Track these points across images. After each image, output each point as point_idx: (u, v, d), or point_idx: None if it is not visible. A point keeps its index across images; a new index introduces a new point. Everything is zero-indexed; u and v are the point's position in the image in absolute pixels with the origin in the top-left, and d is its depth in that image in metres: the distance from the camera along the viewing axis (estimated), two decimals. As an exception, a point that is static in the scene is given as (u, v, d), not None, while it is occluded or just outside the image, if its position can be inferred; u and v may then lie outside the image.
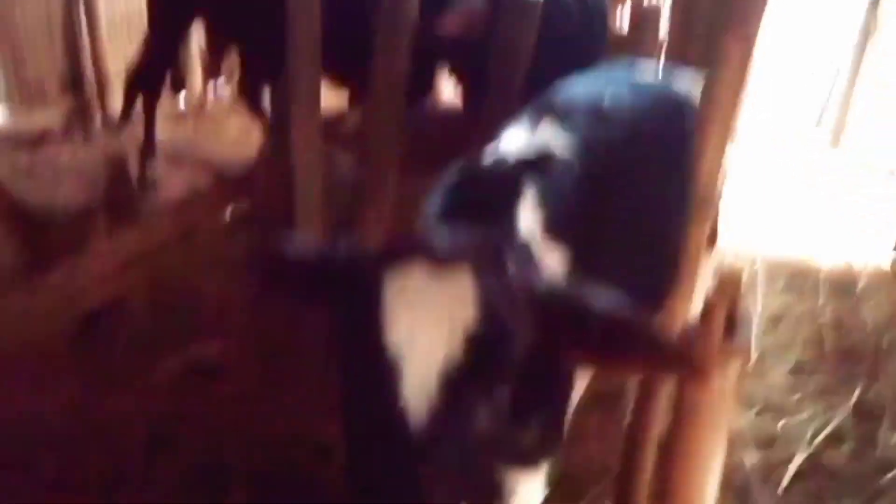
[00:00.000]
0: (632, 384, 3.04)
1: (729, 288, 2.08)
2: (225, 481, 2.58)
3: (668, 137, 2.25)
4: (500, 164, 1.97)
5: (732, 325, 2.04)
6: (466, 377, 1.25)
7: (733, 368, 2.10)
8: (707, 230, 2.46)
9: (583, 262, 1.89)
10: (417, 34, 2.78)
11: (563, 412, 1.98)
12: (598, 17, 2.98)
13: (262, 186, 3.55)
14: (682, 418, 2.16)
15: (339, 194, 3.28)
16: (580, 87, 2.40)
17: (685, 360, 1.34)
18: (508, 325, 1.31)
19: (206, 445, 2.74)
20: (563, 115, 2.12)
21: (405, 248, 1.35)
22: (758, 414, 3.28)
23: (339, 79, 4.09)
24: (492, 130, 2.16)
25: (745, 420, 3.22)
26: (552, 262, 1.83)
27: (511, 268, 1.38)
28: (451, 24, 2.96)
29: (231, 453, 2.70)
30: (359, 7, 2.90)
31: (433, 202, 1.81)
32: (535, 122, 2.11)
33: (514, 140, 2.07)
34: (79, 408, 2.79)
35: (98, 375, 2.94)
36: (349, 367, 1.33)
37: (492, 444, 1.42)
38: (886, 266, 4.80)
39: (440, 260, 1.31)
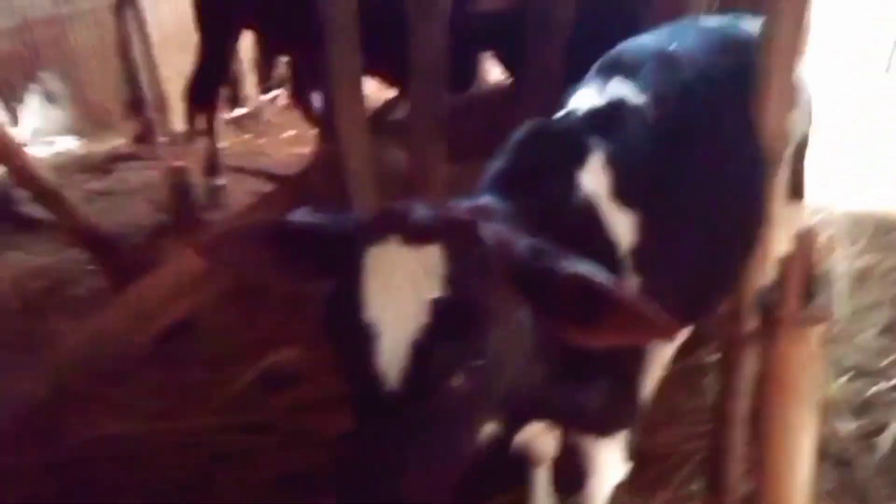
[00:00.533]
0: (714, 362, 2.96)
1: (805, 249, 2.00)
2: (311, 487, 2.60)
3: (742, 79, 2.10)
4: (566, 120, 1.95)
5: (811, 288, 1.96)
6: (435, 345, 1.29)
7: (815, 334, 2.02)
8: (783, 186, 2.41)
9: (656, 228, 1.84)
10: (454, 19, 2.72)
11: (631, 381, 1.95)
12: None
13: (318, 185, 3.54)
14: (769, 391, 2.09)
15: (391, 185, 3.27)
16: (645, 40, 2.33)
17: (654, 321, 1.32)
18: (474, 297, 1.33)
19: (291, 454, 2.78)
20: (631, 68, 2.07)
21: (386, 222, 1.38)
22: (850, 380, 3.13)
23: (381, 69, 4.08)
24: (535, 108, 2.11)
25: (837, 387, 3.08)
26: (621, 228, 1.80)
27: (488, 241, 1.39)
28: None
29: (316, 459, 2.73)
30: None
31: (498, 159, 1.81)
32: (605, 78, 2.05)
33: (585, 99, 2.02)
34: (158, 427, 2.85)
35: (176, 394, 3.00)
36: (336, 335, 1.38)
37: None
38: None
39: (413, 235, 1.34)
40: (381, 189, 3.02)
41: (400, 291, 1.31)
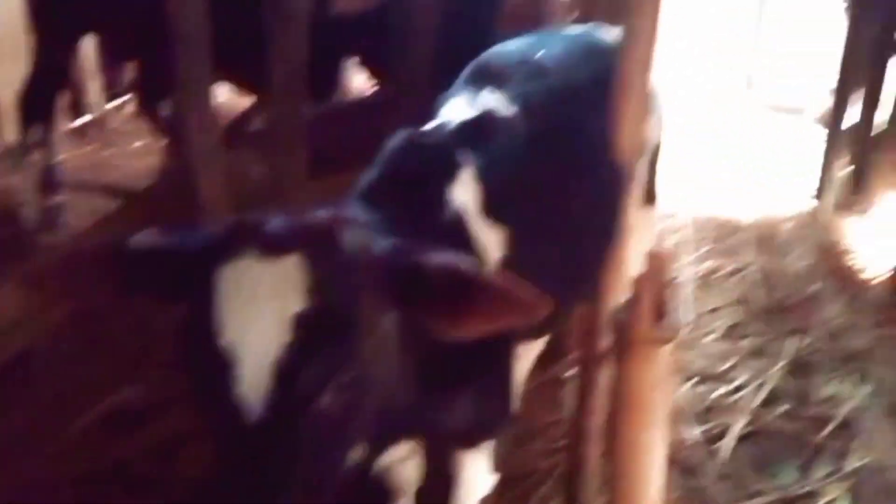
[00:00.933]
0: (570, 380, 3.04)
1: (657, 268, 2.07)
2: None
3: (604, 87, 2.12)
4: (437, 132, 1.92)
5: (662, 306, 2.04)
6: (302, 362, 1.22)
7: (665, 352, 2.10)
8: (635, 198, 2.44)
9: (523, 242, 1.86)
10: (314, 23, 2.63)
11: (500, 389, 1.96)
12: None
13: (165, 202, 3.35)
14: (621, 408, 2.15)
15: (249, 200, 3.14)
16: (511, 47, 2.35)
17: (524, 299, 1.33)
18: (339, 307, 1.28)
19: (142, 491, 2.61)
20: (500, 77, 2.09)
21: (238, 236, 1.30)
22: (694, 385, 3.31)
23: (237, 76, 3.93)
24: (402, 117, 2.07)
25: (683, 393, 3.23)
26: (490, 243, 1.80)
27: (349, 247, 1.34)
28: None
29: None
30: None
31: (368, 172, 1.77)
32: (475, 88, 2.06)
33: (456, 110, 2.02)
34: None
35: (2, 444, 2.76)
36: (191, 364, 1.29)
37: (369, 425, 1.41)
38: (807, 212, 4.89)
39: (269, 246, 1.27)
40: (237, 205, 2.90)
41: (259, 309, 1.23)
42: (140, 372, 2.99)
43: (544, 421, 3.01)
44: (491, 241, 1.81)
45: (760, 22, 7.29)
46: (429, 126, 1.97)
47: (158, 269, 1.36)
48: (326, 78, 3.66)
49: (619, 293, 2.24)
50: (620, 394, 2.11)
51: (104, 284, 1.38)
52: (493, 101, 2.01)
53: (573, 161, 2.13)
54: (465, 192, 1.79)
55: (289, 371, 1.21)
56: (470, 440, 1.94)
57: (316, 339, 1.24)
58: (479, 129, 1.93)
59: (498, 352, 1.90)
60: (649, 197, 2.74)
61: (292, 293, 1.24)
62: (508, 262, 1.84)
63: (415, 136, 1.87)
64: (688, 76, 7.19)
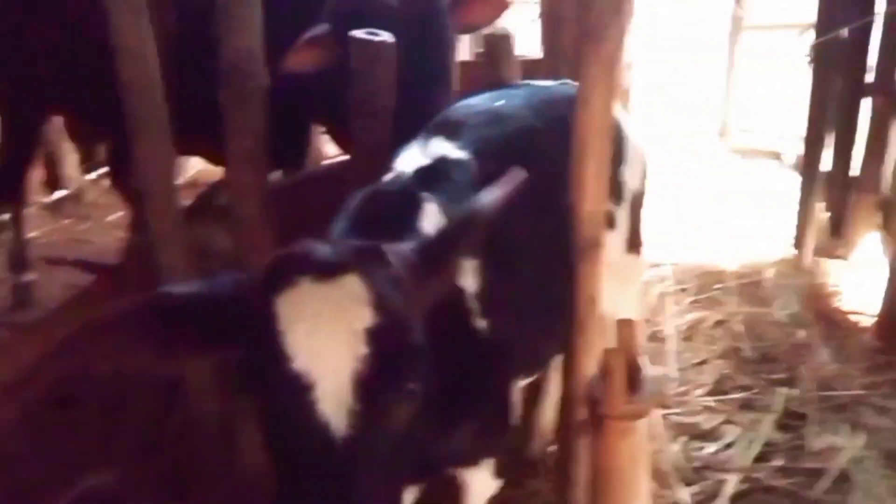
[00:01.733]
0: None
1: (627, 339, 2.01)
2: None
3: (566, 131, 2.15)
4: (396, 181, 1.98)
5: (635, 378, 1.97)
6: (380, 377, 1.27)
7: (643, 425, 2.03)
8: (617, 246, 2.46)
9: (494, 273, 1.92)
10: (275, 89, 2.59)
11: (500, 408, 2.04)
12: (441, 50, 2.79)
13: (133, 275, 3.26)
14: (600, 483, 2.07)
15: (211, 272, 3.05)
16: (474, 100, 2.44)
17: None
18: (407, 318, 1.35)
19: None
20: (454, 127, 2.17)
21: (289, 266, 1.35)
22: (684, 445, 3.21)
23: (202, 150, 3.90)
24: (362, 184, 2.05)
25: (673, 454, 3.13)
26: (466, 272, 1.86)
27: (396, 264, 1.42)
28: (294, 58, 2.67)
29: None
30: (204, 68, 2.64)
31: (334, 229, 1.83)
32: (426, 139, 2.13)
33: (409, 160, 2.08)
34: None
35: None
36: (266, 405, 1.32)
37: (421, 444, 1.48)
38: (789, 259, 4.85)
39: (324, 270, 1.32)
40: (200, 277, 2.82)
41: (330, 329, 1.27)
42: (109, 456, 2.87)
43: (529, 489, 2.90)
44: (466, 269, 1.85)
45: (733, 68, 7.37)
46: (386, 177, 2.03)
47: (200, 318, 1.36)
48: (291, 147, 3.62)
49: (591, 361, 2.18)
50: (598, 469, 2.04)
51: (144, 346, 1.36)
52: (443, 148, 2.07)
53: (535, 202, 2.08)
54: (433, 224, 1.82)
55: (370, 383, 1.26)
56: (473, 460, 2.02)
57: (391, 349, 1.29)
58: (434, 173, 1.99)
59: (498, 382, 2.01)
60: (633, 245, 2.72)
61: (358, 309, 1.29)
62: (482, 296, 1.90)
63: (375, 188, 1.96)
64: (661, 125, 7.24)
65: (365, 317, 1.28)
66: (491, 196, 1.63)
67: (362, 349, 1.26)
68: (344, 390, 1.25)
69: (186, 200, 3.12)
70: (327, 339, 1.26)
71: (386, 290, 1.33)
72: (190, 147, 3.66)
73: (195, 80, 2.74)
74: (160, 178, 2.66)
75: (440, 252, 1.53)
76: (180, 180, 3.92)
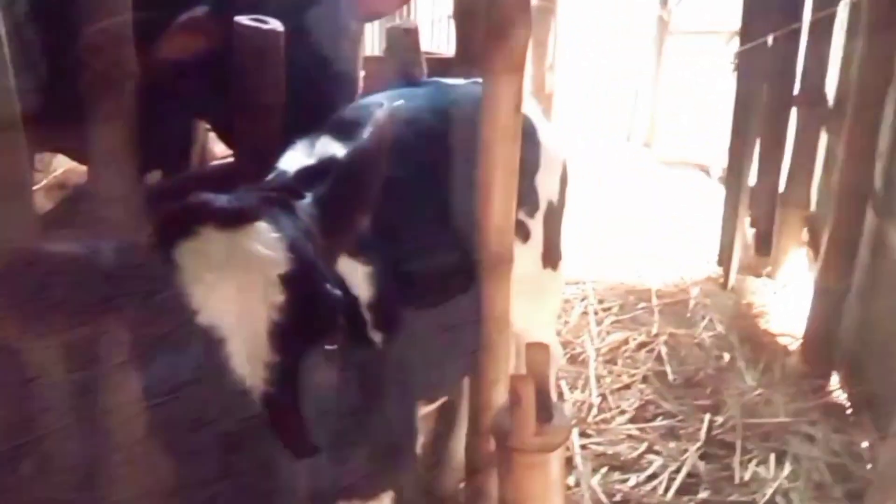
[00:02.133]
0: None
1: (537, 367, 1.79)
2: None
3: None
4: (275, 180, 1.84)
5: (546, 408, 1.75)
6: (298, 326, 1.21)
7: (555, 457, 1.81)
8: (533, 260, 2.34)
9: (389, 282, 1.81)
10: (151, 82, 2.27)
11: (394, 437, 1.90)
12: (343, 44, 2.51)
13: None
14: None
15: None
16: (372, 99, 2.29)
17: None
18: (321, 266, 1.30)
19: None
20: (347, 126, 1.99)
21: (185, 217, 1.26)
22: (604, 476, 2.98)
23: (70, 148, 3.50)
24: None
25: (591, 485, 2.90)
26: (356, 277, 1.74)
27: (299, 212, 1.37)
28: (167, 44, 2.34)
29: None
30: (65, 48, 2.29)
31: None
32: (313, 139, 2.00)
33: (293, 160, 1.94)
34: None
35: None
36: (179, 368, 1.24)
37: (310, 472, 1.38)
38: (713, 277, 4.70)
39: (229, 218, 1.25)
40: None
41: (241, 278, 1.19)
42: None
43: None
44: (355, 275, 1.73)
45: (659, 74, 7.25)
46: (267, 178, 1.88)
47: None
48: (169, 145, 3.25)
49: (500, 388, 1.96)
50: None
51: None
52: (331, 148, 1.93)
53: (435, 204, 2.05)
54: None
55: (287, 335, 1.19)
56: (369, 493, 1.86)
57: (305, 299, 1.22)
58: (320, 173, 1.80)
59: (396, 402, 1.87)
60: (549, 259, 2.55)
61: (272, 256, 1.23)
62: (377, 306, 1.76)
63: (249, 189, 1.72)
64: (585, 132, 7.08)
65: (279, 264, 1.22)
66: (364, 138, 1.54)
67: (278, 298, 1.20)
68: (260, 343, 1.19)
69: (48, 204, 2.77)
70: (240, 288, 1.19)
71: (297, 238, 1.28)
72: (53, 142, 3.26)
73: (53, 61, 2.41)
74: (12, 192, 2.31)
75: (339, 203, 1.47)
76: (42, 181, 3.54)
